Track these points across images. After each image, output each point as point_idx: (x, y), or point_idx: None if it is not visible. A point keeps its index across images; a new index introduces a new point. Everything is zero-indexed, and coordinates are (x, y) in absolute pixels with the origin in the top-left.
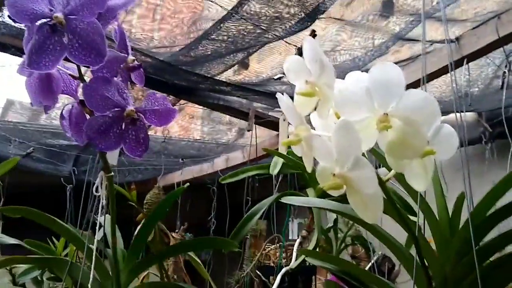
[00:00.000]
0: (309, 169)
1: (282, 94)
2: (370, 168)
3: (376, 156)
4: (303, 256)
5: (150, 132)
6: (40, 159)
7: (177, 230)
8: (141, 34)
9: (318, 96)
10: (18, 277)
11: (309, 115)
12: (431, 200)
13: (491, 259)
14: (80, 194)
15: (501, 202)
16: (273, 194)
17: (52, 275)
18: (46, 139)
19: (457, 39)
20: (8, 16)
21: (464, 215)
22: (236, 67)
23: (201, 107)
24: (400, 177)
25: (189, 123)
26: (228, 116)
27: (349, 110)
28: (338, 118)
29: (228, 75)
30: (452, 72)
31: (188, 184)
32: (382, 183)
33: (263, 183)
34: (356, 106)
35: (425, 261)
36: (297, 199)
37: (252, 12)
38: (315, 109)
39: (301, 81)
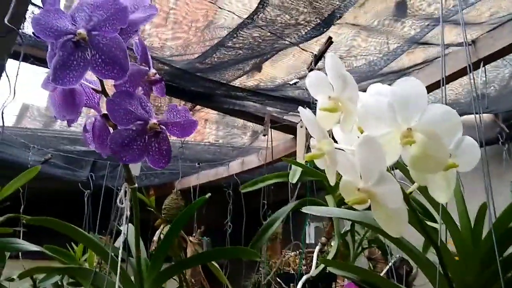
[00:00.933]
0: (332, 182)
1: (296, 102)
2: (395, 183)
3: (400, 169)
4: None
5: None
6: (58, 165)
7: (194, 234)
8: (158, 43)
9: (341, 111)
10: (39, 282)
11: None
12: (451, 207)
13: None
14: (98, 199)
15: None
16: (290, 199)
17: (72, 280)
18: (64, 145)
19: (473, 42)
20: (33, 33)
21: (486, 224)
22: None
23: (215, 111)
24: (422, 188)
25: (203, 127)
26: (242, 120)
27: (372, 125)
28: (361, 132)
29: (242, 79)
30: (470, 75)
31: (209, 194)
32: (406, 196)
33: (279, 186)
34: (379, 121)
35: (448, 270)
36: (317, 208)
37: (268, 19)
38: (337, 122)
39: (323, 96)
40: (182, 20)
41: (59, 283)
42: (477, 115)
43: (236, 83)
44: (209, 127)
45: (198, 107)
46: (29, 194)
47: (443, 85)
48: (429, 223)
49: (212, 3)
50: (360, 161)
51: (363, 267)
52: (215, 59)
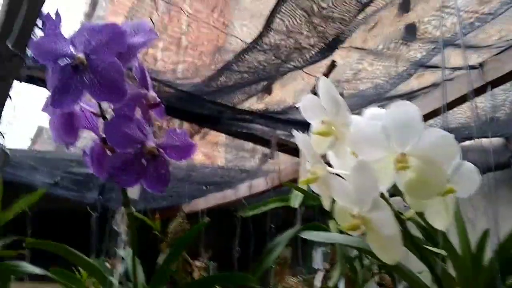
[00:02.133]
0: (327, 207)
1: (302, 125)
2: (388, 210)
3: (397, 193)
4: None
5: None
6: (66, 187)
7: (200, 258)
8: (164, 66)
9: (335, 135)
10: None
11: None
12: (453, 234)
13: None
14: (105, 221)
15: None
16: (296, 224)
17: None
18: (72, 168)
19: (481, 65)
20: (32, 57)
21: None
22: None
23: (224, 134)
24: (421, 213)
25: (212, 150)
26: (251, 143)
27: (366, 150)
28: (356, 156)
29: (252, 102)
30: (473, 100)
31: (208, 219)
32: (401, 221)
33: (287, 209)
34: (373, 145)
35: None
36: (318, 234)
37: (272, 43)
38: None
39: (317, 120)
40: (188, 44)
41: None
42: (486, 139)
43: (244, 106)
44: (218, 150)
45: (208, 131)
46: (38, 216)
47: (444, 111)
48: (432, 248)
49: (221, 30)
50: (354, 186)
51: None
52: (221, 82)
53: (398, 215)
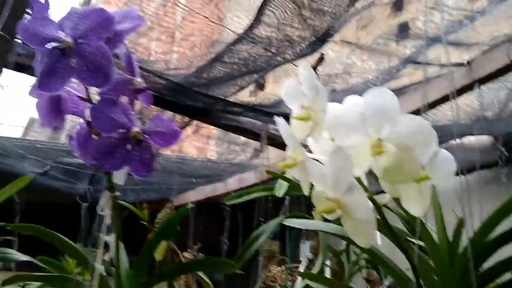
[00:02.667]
0: (306, 192)
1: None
2: (362, 194)
3: (375, 179)
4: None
5: (165, 152)
6: (56, 177)
7: (189, 250)
8: (155, 57)
9: (313, 120)
10: None
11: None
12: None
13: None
14: (94, 213)
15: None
16: (280, 215)
17: None
18: (62, 158)
19: (469, 62)
20: (21, 41)
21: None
22: (252, 88)
23: (216, 128)
24: (399, 201)
25: (204, 143)
26: (243, 137)
27: (342, 135)
28: (334, 142)
29: (244, 96)
30: (455, 98)
31: (192, 205)
32: (378, 207)
33: (277, 203)
34: (349, 131)
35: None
36: (299, 221)
37: (263, 35)
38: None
39: (297, 105)
40: (181, 35)
41: None
42: (473, 137)
43: (234, 99)
44: (210, 143)
45: (201, 124)
46: (28, 206)
47: (425, 107)
48: (411, 239)
49: (216, 23)
50: (331, 170)
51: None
52: (212, 74)
53: (373, 200)
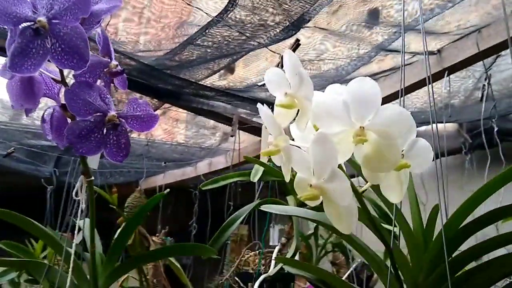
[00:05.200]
0: (287, 178)
1: (263, 103)
2: (345, 181)
3: (354, 166)
4: (281, 264)
5: (133, 135)
6: (21, 159)
7: (157, 234)
8: (126, 37)
9: (297, 108)
10: None
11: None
12: (407, 210)
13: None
14: (60, 196)
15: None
16: (255, 200)
17: (29, 277)
18: (28, 139)
19: (439, 51)
20: None
21: (439, 226)
22: (221, 71)
23: (185, 111)
24: (376, 188)
25: (172, 126)
26: (212, 121)
27: (326, 123)
28: (317, 130)
29: (213, 80)
30: (431, 84)
31: (168, 190)
32: (358, 194)
33: (246, 188)
34: (333, 119)
35: (399, 271)
36: (276, 207)
37: (237, 19)
38: (294, 120)
39: (281, 92)
40: (151, 15)
41: (16, 280)
42: (440, 124)
43: (206, 82)
44: (179, 126)
45: (169, 106)
46: None
47: (401, 95)
48: (386, 226)
49: (187, 3)
50: (313, 158)
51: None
52: (184, 56)
53: (354, 188)
